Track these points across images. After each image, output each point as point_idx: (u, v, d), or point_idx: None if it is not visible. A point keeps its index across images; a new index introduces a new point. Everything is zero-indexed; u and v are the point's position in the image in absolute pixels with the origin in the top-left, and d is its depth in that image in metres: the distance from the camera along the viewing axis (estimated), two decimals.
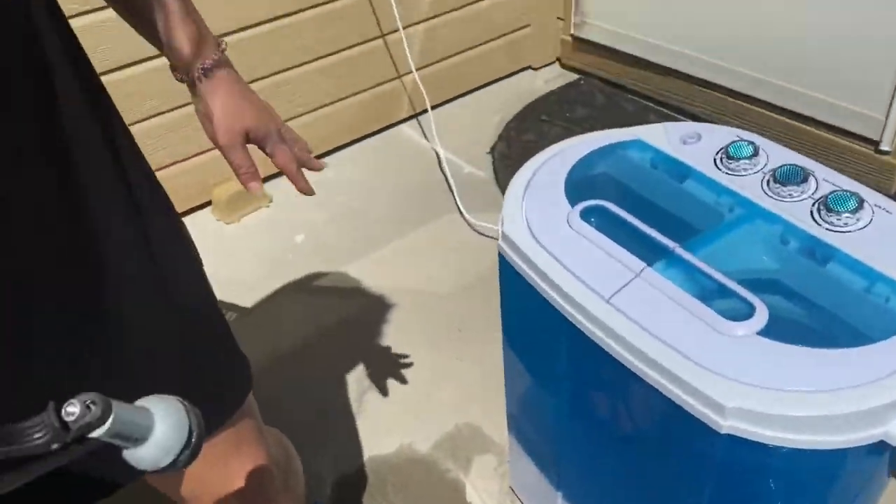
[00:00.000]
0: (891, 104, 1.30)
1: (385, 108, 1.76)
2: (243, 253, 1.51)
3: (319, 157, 1.60)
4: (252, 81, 1.43)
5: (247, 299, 1.38)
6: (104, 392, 0.25)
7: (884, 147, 1.34)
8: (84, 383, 0.27)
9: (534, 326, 0.70)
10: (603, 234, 0.60)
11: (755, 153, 0.65)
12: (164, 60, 0.55)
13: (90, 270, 0.42)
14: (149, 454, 0.26)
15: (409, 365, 1.21)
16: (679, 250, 0.57)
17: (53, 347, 0.40)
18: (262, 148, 0.57)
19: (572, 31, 1.66)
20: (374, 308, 1.35)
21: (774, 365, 0.48)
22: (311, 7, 1.54)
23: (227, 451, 0.57)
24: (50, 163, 0.38)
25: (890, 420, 0.46)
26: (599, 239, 0.60)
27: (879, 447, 0.47)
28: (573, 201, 0.64)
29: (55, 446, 0.23)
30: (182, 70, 0.53)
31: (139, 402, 0.27)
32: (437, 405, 1.15)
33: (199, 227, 1.55)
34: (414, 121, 1.83)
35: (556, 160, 0.72)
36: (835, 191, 0.60)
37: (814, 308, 0.56)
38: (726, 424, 0.47)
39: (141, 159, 0.48)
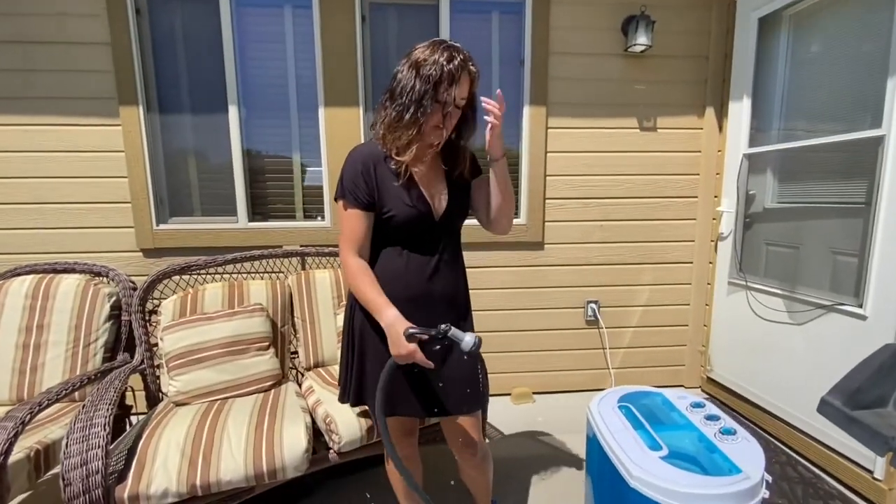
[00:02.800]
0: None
1: (595, 382, 3.00)
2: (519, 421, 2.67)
3: (549, 393, 2.95)
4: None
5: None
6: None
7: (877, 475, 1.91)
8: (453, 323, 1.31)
9: (594, 445, 1.53)
10: (623, 415, 1.48)
11: (703, 406, 1.49)
12: None
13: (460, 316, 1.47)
14: (467, 343, 1.26)
15: None
16: (648, 427, 1.41)
17: (447, 316, 1.42)
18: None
19: (707, 374, 2.96)
20: None
21: (660, 466, 1.25)
22: None
23: (476, 422, 1.49)
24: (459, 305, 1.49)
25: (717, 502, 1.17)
26: (620, 415, 1.47)
27: None
28: (618, 402, 1.56)
29: (440, 333, 1.27)
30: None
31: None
32: None
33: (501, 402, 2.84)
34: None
35: (622, 390, 1.65)
36: (727, 426, 1.38)
37: (696, 462, 1.29)
38: (633, 482, 1.25)
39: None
